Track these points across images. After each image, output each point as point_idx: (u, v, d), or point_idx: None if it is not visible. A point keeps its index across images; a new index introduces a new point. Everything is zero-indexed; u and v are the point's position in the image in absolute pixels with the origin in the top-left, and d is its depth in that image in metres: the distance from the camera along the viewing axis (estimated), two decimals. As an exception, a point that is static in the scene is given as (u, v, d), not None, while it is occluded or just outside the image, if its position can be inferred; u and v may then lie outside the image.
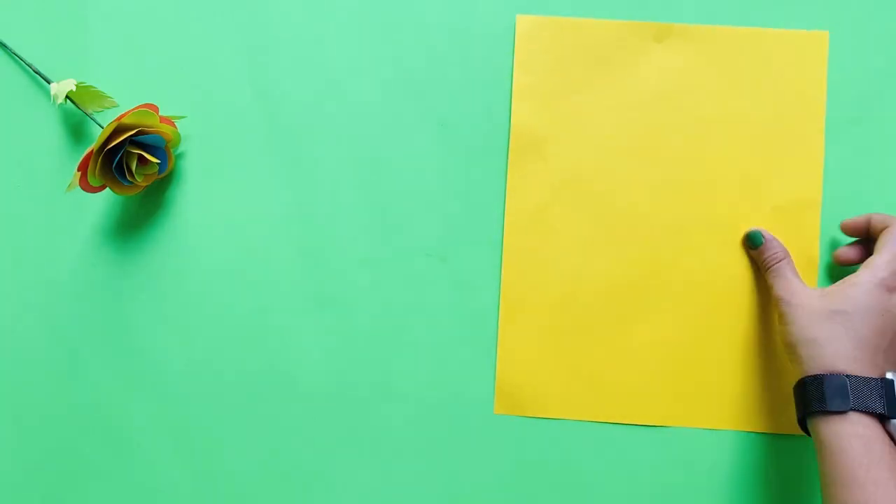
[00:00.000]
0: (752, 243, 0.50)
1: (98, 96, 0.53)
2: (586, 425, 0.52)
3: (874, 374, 0.43)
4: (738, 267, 0.52)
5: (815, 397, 0.43)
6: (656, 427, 0.52)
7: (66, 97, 0.51)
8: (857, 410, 0.42)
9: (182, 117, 0.53)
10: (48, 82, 0.53)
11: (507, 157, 0.53)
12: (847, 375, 0.42)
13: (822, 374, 0.43)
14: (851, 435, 0.42)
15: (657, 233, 0.52)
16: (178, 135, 0.52)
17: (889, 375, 0.43)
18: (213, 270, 0.53)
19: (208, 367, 0.53)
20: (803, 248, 0.52)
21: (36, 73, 0.54)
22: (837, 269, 0.52)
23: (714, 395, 0.52)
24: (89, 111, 0.53)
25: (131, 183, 0.50)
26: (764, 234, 0.50)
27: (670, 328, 0.52)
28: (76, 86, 0.51)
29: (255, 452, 0.53)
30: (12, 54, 0.54)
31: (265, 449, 0.53)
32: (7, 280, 0.54)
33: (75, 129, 0.54)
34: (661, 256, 0.52)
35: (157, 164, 0.51)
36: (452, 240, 0.53)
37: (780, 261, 0.49)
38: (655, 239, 0.52)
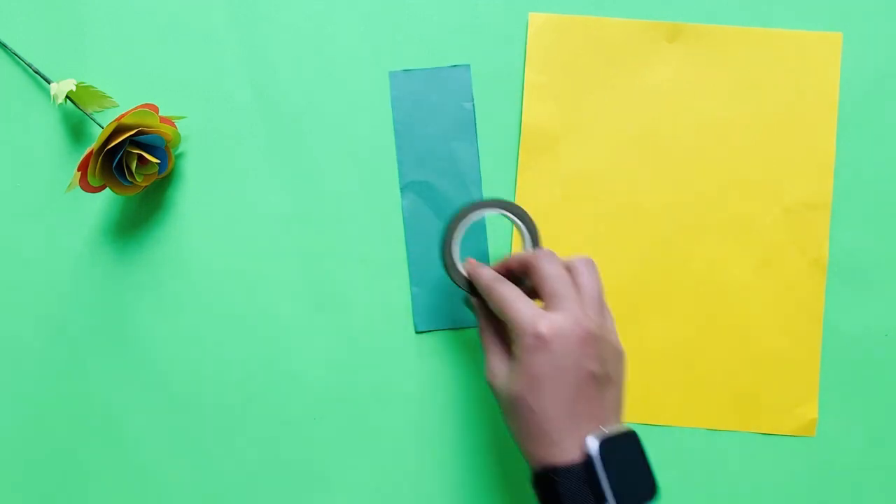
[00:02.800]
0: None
1: (98, 96, 0.52)
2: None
3: (575, 433, 0.36)
4: (748, 267, 0.52)
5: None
6: (656, 427, 0.51)
7: (66, 97, 0.51)
8: None
9: (182, 117, 0.53)
10: (48, 82, 0.53)
11: (518, 156, 0.52)
12: (554, 468, 0.36)
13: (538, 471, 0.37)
14: None
15: (667, 233, 0.52)
16: (178, 135, 0.52)
17: (590, 443, 0.36)
18: (213, 270, 0.53)
19: (208, 366, 0.53)
20: (812, 249, 0.51)
21: (36, 73, 0.53)
22: (845, 273, 0.51)
23: (717, 396, 0.51)
24: (89, 111, 0.53)
25: (131, 183, 0.50)
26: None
27: (677, 328, 0.52)
28: (76, 86, 0.51)
29: (255, 452, 0.52)
30: (12, 54, 0.54)
31: (265, 449, 0.52)
32: (7, 280, 0.54)
33: (75, 129, 0.54)
34: (670, 256, 0.52)
35: (157, 164, 0.50)
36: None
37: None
38: (665, 239, 0.52)
